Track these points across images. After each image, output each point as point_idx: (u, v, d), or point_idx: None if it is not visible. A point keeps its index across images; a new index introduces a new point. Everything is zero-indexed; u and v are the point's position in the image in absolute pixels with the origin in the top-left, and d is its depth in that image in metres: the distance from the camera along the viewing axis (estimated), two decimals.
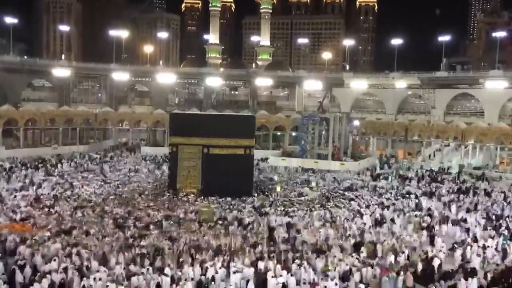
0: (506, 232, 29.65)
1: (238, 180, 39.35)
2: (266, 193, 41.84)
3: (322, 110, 63.29)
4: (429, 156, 62.08)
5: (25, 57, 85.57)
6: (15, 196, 35.44)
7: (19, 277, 19.85)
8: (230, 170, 38.38)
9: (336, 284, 20.37)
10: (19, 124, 61.81)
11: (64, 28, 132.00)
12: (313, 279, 21.17)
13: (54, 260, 21.42)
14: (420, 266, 23.44)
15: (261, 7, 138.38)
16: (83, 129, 69.11)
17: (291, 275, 21.43)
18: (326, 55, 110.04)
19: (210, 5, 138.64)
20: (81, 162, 53.29)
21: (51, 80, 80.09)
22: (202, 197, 38.31)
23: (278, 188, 43.29)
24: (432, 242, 27.63)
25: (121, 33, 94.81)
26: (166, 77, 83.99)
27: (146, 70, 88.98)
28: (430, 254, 25.25)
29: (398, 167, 57.81)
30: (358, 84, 79.22)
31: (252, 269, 21.68)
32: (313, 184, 46.43)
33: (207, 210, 32.87)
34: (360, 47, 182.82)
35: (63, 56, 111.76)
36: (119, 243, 24.90)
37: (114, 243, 24.88)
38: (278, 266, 22.44)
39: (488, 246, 26.70)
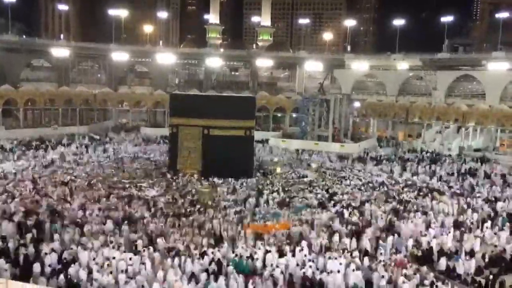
0: (504, 214, 29.86)
1: (239, 161, 39.42)
2: (266, 174, 42.02)
3: (322, 92, 63.05)
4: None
5: (24, 36, 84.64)
6: None
7: None
8: (230, 151, 38.38)
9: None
10: (19, 104, 61.70)
11: (62, 7, 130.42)
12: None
13: None
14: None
15: None
16: (83, 109, 68.95)
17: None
18: (327, 36, 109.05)
19: None
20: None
21: (50, 60, 79.39)
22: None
23: (279, 169, 43.38)
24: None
25: (120, 13, 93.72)
26: (166, 58, 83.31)
27: (146, 50, 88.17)
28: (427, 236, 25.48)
29: (398, 148, 58.00)
30: (359, 66, 78.60)
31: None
32: (313, 165, 46.55)
33: (207, 191, 33.04)
34: (361, 28, 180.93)
35: (62, 36, 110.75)
36: None
37: None
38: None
39: (487, 227, 26.90)
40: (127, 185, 35.12)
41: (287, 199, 32.64)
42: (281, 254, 21.87)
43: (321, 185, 38.04)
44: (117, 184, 35.58)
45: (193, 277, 19.26)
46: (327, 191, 35.82)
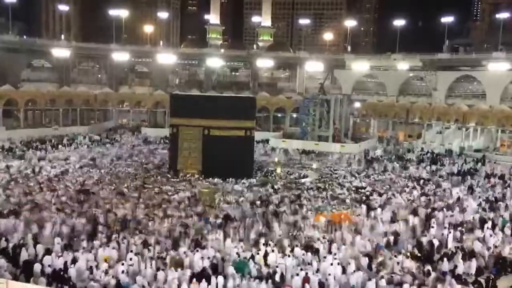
0: (505, 214, 29.83)
1: (239, 161, 39.44)
2: (266, 175, 42.01)
3: (323, 92, 63.03)
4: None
5: (25, 36, 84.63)
6: None
7: None
8: (230, 151, 38.43)
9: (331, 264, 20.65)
10: (19, 105, 61.76)
11: (63, 7, 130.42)
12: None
13: None
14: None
15: None
16: (83, 110, 69.01)
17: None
18: (328, 36, 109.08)
19: None
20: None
21: (50, 60, 79.47)
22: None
23: (279, 170, 43.37)
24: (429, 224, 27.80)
25: (121, 13, 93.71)
26: (166, 58, 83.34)
27: (146, 50, 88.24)
28: (428, 236, 25.48)
29: (399, 148, 58.01)
30: (360, 66, 78.61)
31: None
32: (314, 165, 46.58)
33: (208, 192, 33.04)
34: (362, 28, 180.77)
35: (62, 36, 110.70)
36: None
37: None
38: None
39: (488, 228, 26.87)
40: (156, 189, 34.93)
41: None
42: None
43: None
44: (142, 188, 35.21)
45: (193, 276, 19.28)
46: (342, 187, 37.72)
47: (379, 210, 29.98)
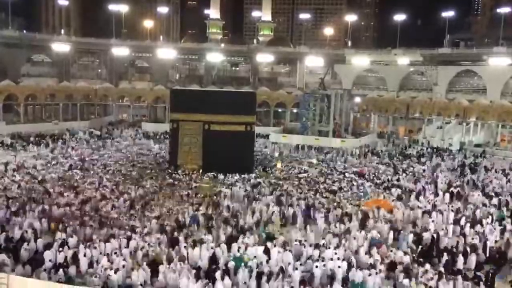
0: (505, 209, 29.87)
1: (239, 156, 39.45)
2: (266, 170, 42.02)
3: (323, 87, 62.95)
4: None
5: (24, 31, 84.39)
6: None
7: None
8: (230, 146, 38.42)
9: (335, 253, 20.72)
10: (19, 100, 61.78)
11: (63, 2, 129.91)
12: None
13: None
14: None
15: None
16: (83, 105, 69.00)
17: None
18: (328, 31, 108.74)
19: None
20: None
21: (50, 55, 79.33)
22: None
23: (279, 165, 43.38)
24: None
25: (120, 8, 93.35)
26: (166, 53, 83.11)
27: (146, 45, 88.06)
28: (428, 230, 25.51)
29: (399, 143, 58.07)
30: (360, 61, 78.39)
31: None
32: (314, 161, 46.60)
33: (208, 187, 33.14)
34: (362, 23, 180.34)
35: (62, 31, 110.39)
36: None
37: None
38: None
39: (487, 223, 26.91)
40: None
41: None
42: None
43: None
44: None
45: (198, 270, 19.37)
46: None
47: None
